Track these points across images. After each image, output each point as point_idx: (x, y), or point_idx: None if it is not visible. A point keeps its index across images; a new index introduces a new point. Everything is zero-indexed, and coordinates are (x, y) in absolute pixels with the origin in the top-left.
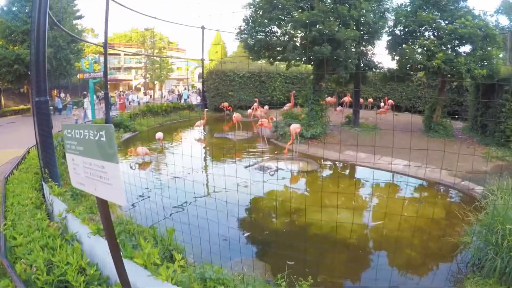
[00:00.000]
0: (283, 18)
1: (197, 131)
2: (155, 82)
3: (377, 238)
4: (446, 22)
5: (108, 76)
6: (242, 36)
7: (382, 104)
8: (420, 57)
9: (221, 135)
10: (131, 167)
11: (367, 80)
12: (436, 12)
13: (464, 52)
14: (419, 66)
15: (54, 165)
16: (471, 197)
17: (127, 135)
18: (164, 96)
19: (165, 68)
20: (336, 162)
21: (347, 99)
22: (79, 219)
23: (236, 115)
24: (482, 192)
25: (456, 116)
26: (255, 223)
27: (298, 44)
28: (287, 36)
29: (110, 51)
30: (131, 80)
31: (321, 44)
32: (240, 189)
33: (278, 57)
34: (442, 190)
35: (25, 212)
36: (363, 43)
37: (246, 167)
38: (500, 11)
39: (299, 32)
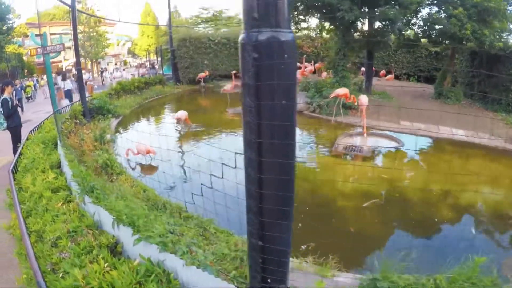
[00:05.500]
0: None
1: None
2: (93, 60)
3: None
4: None
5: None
6: None
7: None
8: (452, 26)
9: (234, 110)
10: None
11: (382, 46)
12: None
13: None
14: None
15: None
16: None
17: (115, 121)
18: (111, 74)
19: (100, 44)
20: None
21: None
22: None
23: (227, 86)
24: None
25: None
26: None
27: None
28: None
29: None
30: (60, 61)
31: (385, 6)
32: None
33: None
34: None
35: None
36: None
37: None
38: None
39: None
